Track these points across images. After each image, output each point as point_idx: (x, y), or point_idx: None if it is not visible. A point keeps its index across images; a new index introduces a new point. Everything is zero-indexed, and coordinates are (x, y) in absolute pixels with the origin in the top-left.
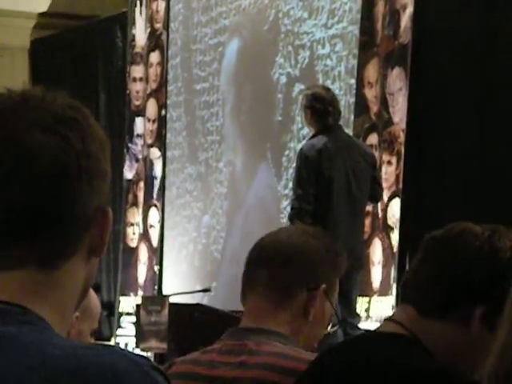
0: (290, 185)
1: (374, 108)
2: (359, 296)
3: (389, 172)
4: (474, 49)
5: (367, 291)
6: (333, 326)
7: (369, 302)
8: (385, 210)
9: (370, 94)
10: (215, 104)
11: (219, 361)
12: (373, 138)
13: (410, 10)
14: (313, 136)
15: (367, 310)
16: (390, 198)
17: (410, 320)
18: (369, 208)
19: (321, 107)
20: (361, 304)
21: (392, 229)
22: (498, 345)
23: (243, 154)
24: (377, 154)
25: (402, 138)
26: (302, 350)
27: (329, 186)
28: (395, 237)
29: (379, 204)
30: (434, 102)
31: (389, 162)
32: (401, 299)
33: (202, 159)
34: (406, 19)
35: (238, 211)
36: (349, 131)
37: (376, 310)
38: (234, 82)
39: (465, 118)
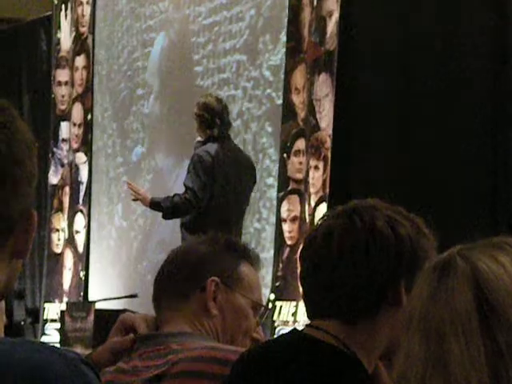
0: None
1: (302, 114)
2: (287, 301)
3: (316, 177)
4: (399, 55)
5: (294, 296)
6: (261, 314)
7: (296, 307)
8: (312, 215)
9: (298, 99)
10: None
11: (143, 365)
12: (300, 144)
13: (336, 16)
14: (203, 143)
15: (294, 315)
16: (318, 203)
17: (338, 330)
18: (296, 213)
19: (208, 117)
20: (288, 308)
21: None
22: (401, 355)
23: (168, 152)
24: (304, 159)
25: (328, 143)
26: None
27: (220, 190)
28: None
29: (306, 209)
30: (359, 108)
31: (316, 167)
32: (317, 314)
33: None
34: (332, 26)
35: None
36: (277, 136)
37: (303, 315)
38: (160, 77)
39: (390, 124)
